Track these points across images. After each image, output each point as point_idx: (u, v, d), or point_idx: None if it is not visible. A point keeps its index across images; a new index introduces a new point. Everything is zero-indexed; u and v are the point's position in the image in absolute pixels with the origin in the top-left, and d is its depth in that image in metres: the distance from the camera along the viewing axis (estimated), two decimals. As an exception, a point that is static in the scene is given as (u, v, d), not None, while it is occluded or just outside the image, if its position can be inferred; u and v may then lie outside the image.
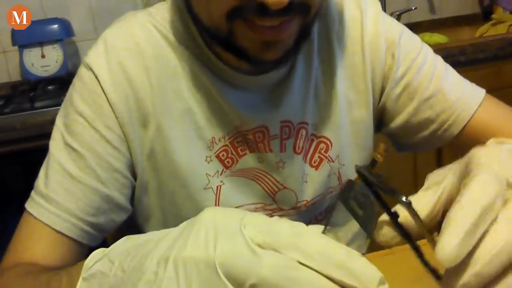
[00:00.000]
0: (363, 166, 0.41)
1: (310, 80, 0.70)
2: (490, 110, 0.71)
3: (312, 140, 0.72)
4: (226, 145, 0.69)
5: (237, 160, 0.70)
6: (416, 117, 0.72)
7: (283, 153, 0.70)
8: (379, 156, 0.42)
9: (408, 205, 0.37)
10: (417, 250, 0.39)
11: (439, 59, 0.75)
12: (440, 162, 1.64)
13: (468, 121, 0.70)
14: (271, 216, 0.72)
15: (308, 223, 0.76)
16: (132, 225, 0.73)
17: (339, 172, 0.75)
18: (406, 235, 0.39)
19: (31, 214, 0.63)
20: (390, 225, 0.40)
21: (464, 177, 0.38)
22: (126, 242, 0.44)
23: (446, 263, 0.32)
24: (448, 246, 0.32)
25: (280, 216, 0.73)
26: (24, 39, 1.66)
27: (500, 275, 0.33)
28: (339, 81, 0.72)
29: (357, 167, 0.41)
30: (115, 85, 0.64)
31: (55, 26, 1.68)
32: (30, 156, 1.36)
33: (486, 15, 2.18)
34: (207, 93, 0.67)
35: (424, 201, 0.40)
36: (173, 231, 0.41)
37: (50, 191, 0.63)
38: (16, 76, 1.84)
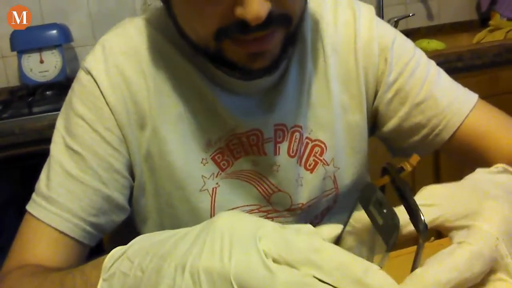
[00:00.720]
0: (392, 167, 0.41)
1: (303, 84, 0.71)
2: (482, 115, 0.71)
3: (307, 144, 0.73)
4: (222, 148, 0.69)
5: (233, 163, 0.70)
6: (407, 121, 0.73)
7: (277, 156, 0.71)
8: (408, 165, 0.42)
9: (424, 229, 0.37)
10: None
11: (432, 64, 0.75)
12: (437, 165, 1.65)
13: (459, 126, 0.71)
14: (267, 217, 0.73)
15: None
16: (130, 225, 0.74)
17: (334, 176, 0.75)
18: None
19: (33, 216, 0.63)
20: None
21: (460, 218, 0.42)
22: (143, 241, 0.44)
23: None
24: None
25: (275, 218, 0.73)
26: (23, 44, 1.66)
27: None
28: (333, 85, 0.72)
29: (387, 166, 0.41)
30: (113, 87, 0.66)
31: (54, 31, 1.69)
32: (29, 161, 1.36)
33: (483, 21, 2.19)
34: (202, 96, 0.68)
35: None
36: (190, 233, 0.41)
37: (52, 192, 0.64)
38: (14, 81, 1.84)
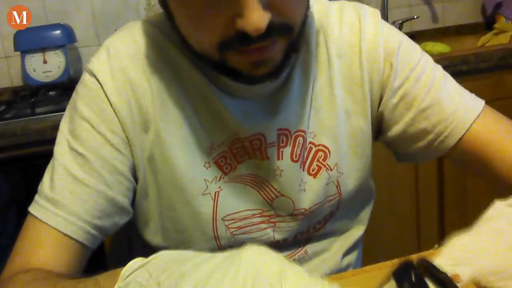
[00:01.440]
0: (428, 262, 0.41)
1: (307, 88, 0.70)
2: (488, 122, 0.70)
3: (311, 149, 0.72)
4: (225, 151, 0.69)
5: (235, 167, 0.69)
6: (412, 127, 0.72)
7: (280, 161, 0.70)
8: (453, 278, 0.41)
9: None
10: None
11: (438, 68, 0.74)
12: (441, 172, 1.64)
13: (465, 133, 0.70)
14: (269, 222, 0.72)
15: (306, 230, 0.76)
16: (131, 228, 0.73)
17: (337, 181, 0.74)
18: None
19: (36, 218, 0.63)
20: None
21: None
22: (165, 256, 0.44)
23: None
24: None
25: (278, 222, 0.73)
26: (26, 44, 1.66)
27: None
28: (337, 90, 0.71)
29: (422, 261, 0.41)
30: (118, 90, 0.66)
31: (58, 31, 1.68)
32: (31, 161, 1.36)
33: (488, 24, 2.18)
34: (206, 100, 0.67)
35: None
36: (213, 259, 0.41)
37: (56, 194, 0.63)
38: (18, 81, 1.84)
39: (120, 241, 0.94)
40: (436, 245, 0.63)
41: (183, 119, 0.67)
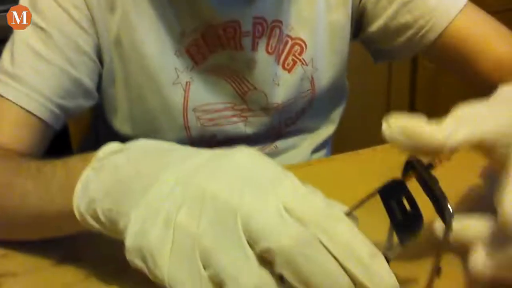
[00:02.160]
0: (419, 162, 0.38)
1: None
2: (470, 17, 0.68)
3: (287, 42, 0.70)
4: (197, 39, 0.66)
5: (208, 57, 0.67)
6: (394, 21, 0.70)
7: (255, 51, 0.68)
8: (437, 162, 0.38)
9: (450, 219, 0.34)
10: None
11: None
12: (413, 83, 1.64)
13: (446, 27, 0.68)
14: (241, 116, 0.71)
15: (278, 126, 0.75)
16: (99, 117, 0.71)
17: (312, 77, 0.73)
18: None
19: None
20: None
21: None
22: (147, 144, 0.41)
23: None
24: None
25: (250, 116, 0.72)
26: None
27: None
28: None
29: (413, 160, 0.37)
30: None
31: None
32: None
33: None
34: None
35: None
36: (202, 155, 0.38)
37: (17, 70, 0.60)
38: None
39: (87, 129, 0.92)
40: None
41: (153, 2, 0.64)
